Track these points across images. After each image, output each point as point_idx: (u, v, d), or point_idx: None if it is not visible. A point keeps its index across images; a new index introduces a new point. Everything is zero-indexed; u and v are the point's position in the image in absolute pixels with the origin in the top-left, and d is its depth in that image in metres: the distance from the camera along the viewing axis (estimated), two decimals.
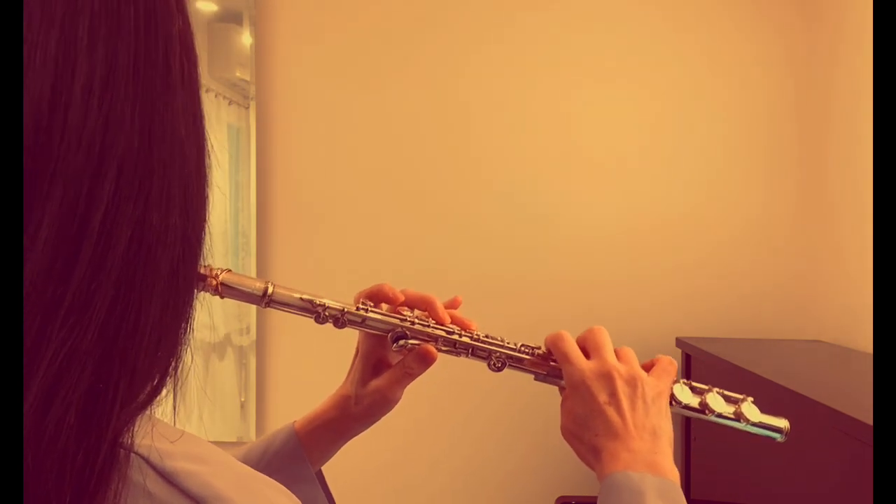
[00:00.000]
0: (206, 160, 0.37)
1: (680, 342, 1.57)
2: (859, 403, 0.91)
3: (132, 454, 0.32)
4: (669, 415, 0.60)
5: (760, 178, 1.71)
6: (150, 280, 0.33)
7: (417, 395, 1.83)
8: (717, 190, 1.71)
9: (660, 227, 1.71)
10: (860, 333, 1.46)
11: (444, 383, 1.70)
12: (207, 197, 0.37)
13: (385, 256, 1.71)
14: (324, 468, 0.69)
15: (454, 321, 0.64)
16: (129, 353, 0.32)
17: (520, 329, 1.67)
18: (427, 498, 1.74)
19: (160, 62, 0.33)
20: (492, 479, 1.73)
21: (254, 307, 1.70)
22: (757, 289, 1.70)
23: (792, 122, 1.70)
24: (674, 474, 0.56)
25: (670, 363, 0.63)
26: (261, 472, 0.37)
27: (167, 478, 0.33)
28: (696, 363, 1.51)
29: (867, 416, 0.82)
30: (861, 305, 1.46)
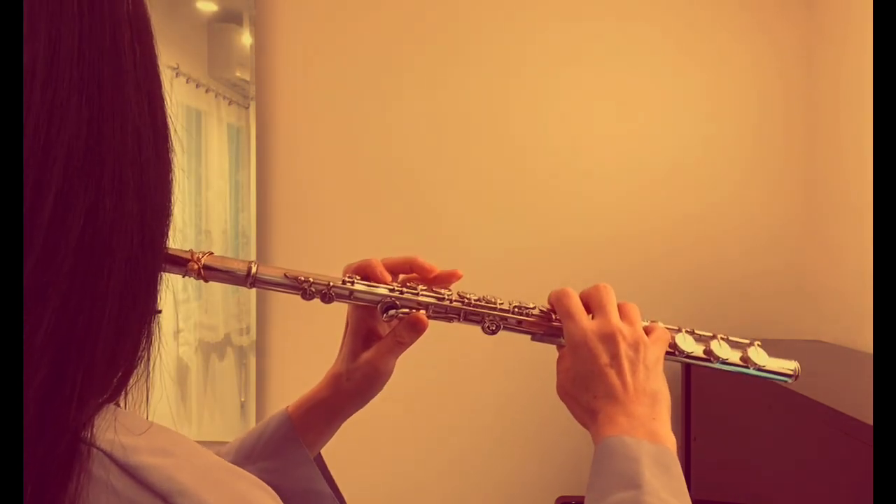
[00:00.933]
0: (167, 144, 0.36)
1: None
2: (859, 403, 0.91)
3: (94, 449, 0.32)
4: (665, 380, 0.60)
5: (760, 178, 1.71)
6: (105, 269, 0.32)
7: (417, 394, 1.83)
8: (718, 190, 1.71)
9: (659, 227, 1.71)
10: (860, 333, 1.46)
11: (444, 382, 1.70)
12: (170, 182, 0.36)
13: (385, 255, 1.71)
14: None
15: (438, 277, 0.64)
16: (86, 345, 0.31)
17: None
18: (427, 498, 1.74)
19: (107, 45, 0.32)
20: (492, 479, 1.73)
21: (254, 307, 1.70)
22: (757, 289, 1.70)
23: (792, 123, 1.70)
24: (671, 441, 0.55)
25: (664, 331, 0.62)
26: (256, 457, 0.36)
27: (130, 473, 0.32)
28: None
29: (867, 416, 0.82)
30: (861, 305, 1.46)
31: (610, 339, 0.57)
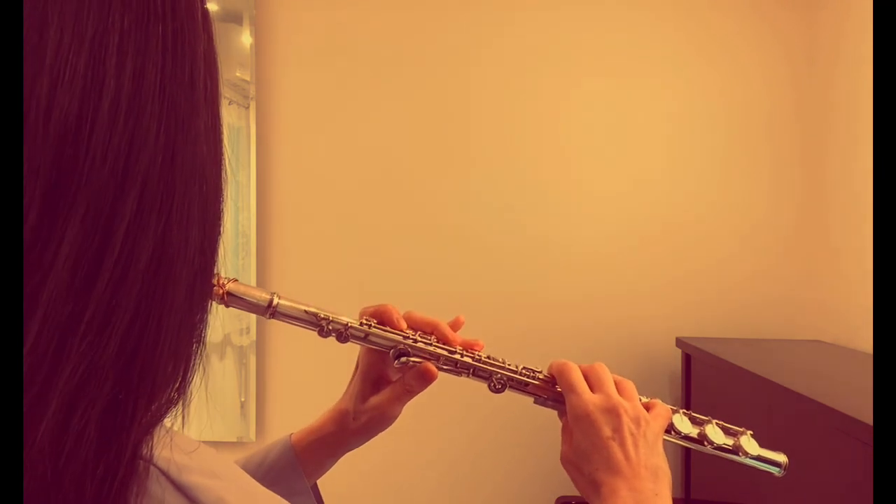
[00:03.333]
0: (224, 177, 0.38)
1: (680, 342, 1.57)
2: (859, 403, 0.91)
3: (151, 466, 0.33)
4: (665, 457, 0.60)
5: (761, 179, 1.71)
6: (169, 295, 0.33)
7: (417, 395, 1.82)
8: (718, 192, 1.71)
9: (660, 228, 1.71)
10: (860, 333, 1.46)
11: (444, 383, 1.70)
12: (223, 212, 0.38)
13: (385, 256, 1.71)
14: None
15: (462, 344, 0.64)
16: (148, 367, 0.32)
17: (523, 329, 1.67)
18: (427, 498, 1.74)
19: (186, 81, 0.34)
20: (492, 479, 1.73)
21: None
22: (757, 289, 1.70)
23: (792, 124, 1.70)
24: None
25: (665, 408, 0.63)
26: (257, 482, 0.37)
27: (184, 491, 0.33)
28: (696, 363, 1.51)
29: (867, 416, 0.82)
30: (861, 305, 1.46)
31: (612, 413, 0.59)
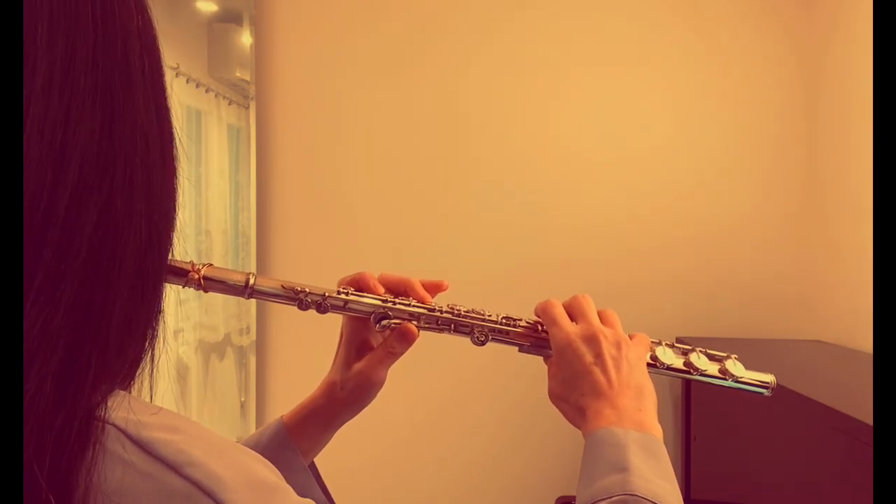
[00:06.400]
0: (174, 151, 0.39)
1: (680, 342, 1.56)
2: (859, 403, 0.91)
3: (108, 426, 0.34)
4: (650, 378, 0.62)
5: (761, 178, 1.71)
6: (116, 263, 0.35)
7: (417, 395, 1.83)
8: (718, 190, 1.71)
9: (660, 226, 1.71)
10: (860, 333, 1.46)
11: (444, 384, 1.70)
12: (175, 187, 0.39)
13: (385, 256, 1.71)
14: (324, 470, 0.69)
15: (427, 287, 0.65)
16: (99, 331, 0.34)
17: None
18: (427, 498, 1.74)
19: (119, 56, 0.35)
20: (492, 480, 1.73)
21: (254, 306, 1.70)
22: (757, 289, 1.70)
23: (792, 123, 1.70)
24: (657, 430, 0.57)
25: (645, 336, 0.65)
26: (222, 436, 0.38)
27: (143, 446, 0.34)
28: None
29: (867, 416, 0.82)
30: (861, 305, 1.46)
31: (593, 340, 0.61)
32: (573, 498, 1.37)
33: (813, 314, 1.66)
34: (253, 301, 1.70)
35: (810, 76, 1.69)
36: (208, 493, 0.34)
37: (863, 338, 1.44)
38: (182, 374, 1.69)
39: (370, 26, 1.72)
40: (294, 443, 0.65)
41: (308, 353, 1.70)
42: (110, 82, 0.35)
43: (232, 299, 1.73)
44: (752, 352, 1.39)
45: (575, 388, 0.60)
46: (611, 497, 0.51)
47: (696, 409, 1.51)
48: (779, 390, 1.01)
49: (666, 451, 0.56)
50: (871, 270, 1.35)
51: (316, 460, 0.69)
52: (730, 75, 1.70)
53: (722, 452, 1.37)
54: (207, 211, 1.70)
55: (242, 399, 1.72)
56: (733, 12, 1.70)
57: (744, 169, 1.71)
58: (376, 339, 0.67)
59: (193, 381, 1.70)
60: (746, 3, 1.70)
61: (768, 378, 0.67)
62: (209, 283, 0.57)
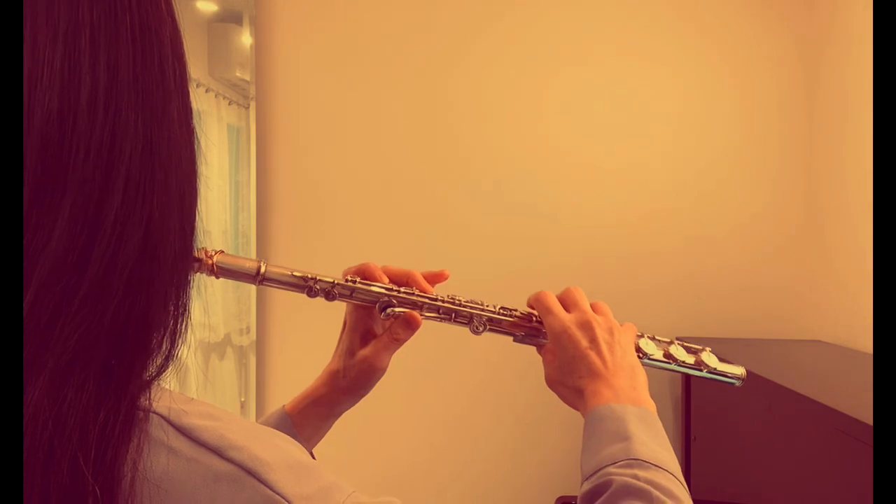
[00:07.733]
0: (198, 159, 0.40)
1: (680, 342, 1.56)
2: (859, 403, 0.91)
3: (151, 413, 0.36)
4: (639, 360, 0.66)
5: (762, 178, 1.71)
6: (156, 274, 0.36)
7: (417, 395, 1.83)
8: (719, 192, 1.71)
9: (660, 226, 1.71)
10: (860, 333, 1.46)
11: (445, 384, 1.70)
12: (199, 194, 0.40)
13: (384, 255, 1.70)
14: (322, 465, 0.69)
15: (428, 278, 0.68)
16: (139, 335, 0.35)
17: None
18: (427, 497, 1.74)
19: (156, 69, 0.35)
20: (492, 479, 1.73)
21: (254, 307, 1.70)
22: (757, 289, 1.70)
23: (794, 124, 1.70)
24: (652, 405, 0.61)
25: (632, 325, 0.69)
26: (254, 423, 0.39)
27: (185, 433, 0.36)
28: None
29: (867, 416, 0.83)
30: (861, 305, 1.46)
31: (587, 326, 0.64)
32: (573, 498, 1.37)
33: (813, 314, 1.66)
34: (253, 301, 1.70)
35: (810, 82, 1.68)
36: (254, 475, 0.35)
37: (863, 338, 1.44)
38: (182, 374, 1.69)
39: (370, 26, 1.72)
40: (297, 431, 0.68)
41: (308, 352, 1.70)
42: (150, 96, 0.35)
43: (232, 298, 1.73)
44: (752, 352, 1.39)
45: (572, 372, 0.63)
46: (616, 462, 0.54)
47: (696, 409, 1.51)
48: (779, 390, 1.00)
49: (660, 423, 0.59)
50: (871, 270, 1.35)
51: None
52: (738, 80, 1.70)
53: (722, 452, 1.37)
54: (207, 211, 1.70)
55: (242, 399, 1.72)
56: (734, 8, 1.70)
57: (745, 170, 1.71)
58: (379, 328, 0.69)
59: (193, 382, 1.70)
60: (759, 4, 1.70)
61: (739, 371, 0.71)
62: (221, 271, 0.58)
